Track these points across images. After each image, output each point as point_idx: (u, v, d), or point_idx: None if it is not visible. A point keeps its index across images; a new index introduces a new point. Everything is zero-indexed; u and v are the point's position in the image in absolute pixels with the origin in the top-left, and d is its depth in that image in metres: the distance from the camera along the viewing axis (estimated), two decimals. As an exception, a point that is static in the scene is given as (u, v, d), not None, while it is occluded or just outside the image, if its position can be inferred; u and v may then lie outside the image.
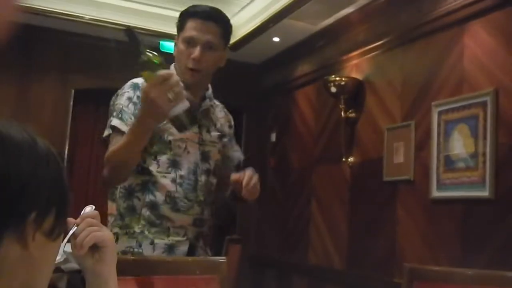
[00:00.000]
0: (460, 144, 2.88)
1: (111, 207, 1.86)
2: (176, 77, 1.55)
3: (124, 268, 1.25)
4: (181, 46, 1.85)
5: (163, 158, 1.81)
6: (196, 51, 1.82)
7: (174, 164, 1.82)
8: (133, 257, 1.67)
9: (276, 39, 4.45)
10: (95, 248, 0.98)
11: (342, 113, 3.79)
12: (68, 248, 0.97)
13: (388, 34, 3.53)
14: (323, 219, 4.10)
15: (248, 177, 1.77)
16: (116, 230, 1.79)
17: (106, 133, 1.80)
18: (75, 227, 0.97)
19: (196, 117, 1.75)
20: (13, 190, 0.70)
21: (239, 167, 1.96)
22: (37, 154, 0.74)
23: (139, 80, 1.80)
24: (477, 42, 2.88)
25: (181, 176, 1.82)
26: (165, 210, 1.80)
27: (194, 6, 1.88)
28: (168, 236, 1.80)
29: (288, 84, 4.77)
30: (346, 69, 3.95)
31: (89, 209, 1.02)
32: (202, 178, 1.86)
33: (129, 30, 1.57)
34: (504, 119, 2.68)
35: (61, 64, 4.55)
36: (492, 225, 2.68)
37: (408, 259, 3.12)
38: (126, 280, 1.38)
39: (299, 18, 3.97)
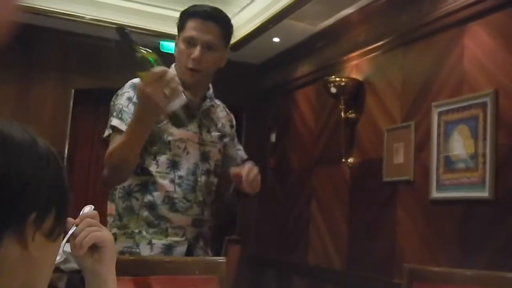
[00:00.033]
0: (460, 145, 2.88)
1: (111, 207, 1.86)
2: (171, 73, 1.55)
3: (123, 268, 1.25)
4: (181, 46, 1.85)
5: (163, 159, 1.81)
6: (196, 51, 1.81)
7: (173, 164, 1.82)
8: (132, 257, 1.68)
9: (276, 39, 4.45)
10: (94, 248, 0.98)
11: (342, 114, 3.79)
12: (68, 248, 0.97)
13: (388, 35, 3.53)
14: (323, 220, 4.10)
15: (248, 169, 1.77)
16: (115, 230, 1.79)
17: (106, 133, 1.80)
18: (74, 227, 0.97)
19: (194, 112, 1.74)
20: (14, 190, 0.70)
21: None
22: (37, 154, 0.74)
23: (139, 80, 1.80)
24: (477, 43, 2.88)
25: (180, 177, 1.82)
26: (163, 210, 1.80)
27: (194, 6, 1.88)
28: (166, 236, 1.80)
29: (288, 84, 4.77)
30: (346, 70, 3.95)
31: (88, 209, 1.02)
32: (202, 179, 1.86)
33: (121, 29, 1.55)
34: (504, 120, 2.68)
35: (61, 64, 4.55)
36: (491, 226, 2.68)
37: (407, 260, 3.12)
38: (125, 280, 1.38)
39: (299, 18, 3.97)
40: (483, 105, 2.76)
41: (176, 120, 1.60)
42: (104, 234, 1.00)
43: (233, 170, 1.82)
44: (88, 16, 4.27)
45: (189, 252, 1.83)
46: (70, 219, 0.95)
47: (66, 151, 4.52)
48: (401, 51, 3.46)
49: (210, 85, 1.97)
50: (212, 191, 1.92)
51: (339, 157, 3.86)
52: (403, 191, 3.28)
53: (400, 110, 3.39)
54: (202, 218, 1.87)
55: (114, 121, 1.77)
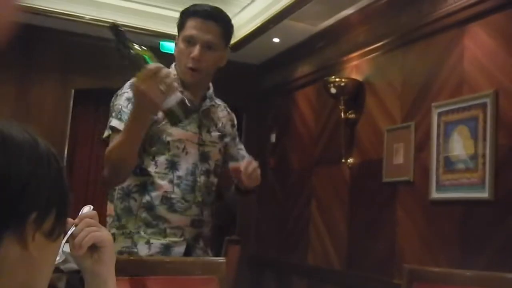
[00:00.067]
0: (459, 146, 2.88)
1: (110, 208, 1.86)
2: (166, 69, 1.54)
3: (122, 268, 1.25)
4: (181, 45, 1.85)
5: (161, 159, 1.80)
6: (196, 50, 1.81)
7: (172, 165, 1.81)
8: (132, 257, 1.67)
9: (276, 39, 4.45)
10: (93, 248, 0.98)
11: (342, 114, 3.79)
12: (67, 248, 0.97)
13: (388, 35, 3.53)
14: (323, 220, 4.10)
15: (246, 162, 1.77)
16: (114, 230, 1.79)
17: (106, 133, 1.80)
18: (74, 227, 0.97)
19: (191, 109, 1.74)
20: (14, 190, 0.70)
21: None
22: (38, 154, 0.74)
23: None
24: (477, 44, 2.88)
25: (179, 177, 1.81)
26: (161, 211, 1.79)
27: (195, 5, 1.87)
28: (164, 237, 1.80)
29: (288, 84, 4.77)
30: (346, 70, 3.95)
31: (87, 209, 1.02)
32: (201, 179, 1.86)
33: (115, 26, 1.53)
34: (504, 120, 2.68)
35: (61, 64, 4.55)
36: (491, 226, 2.68)
37: (407, 260, 3.12)
38: (125, 280, 1.38)
39: (299, 19, 3.97)
40: (483, 106, 2.76)
41: (172, 116, 1.59)
42: (104, 234, 0.99)
43: (232, 164, 1.82)
44: (88, 16, 4.27)
45: (187, 253, 1.82)
46: (69, 219, 0.95)
47: (66, 151, 4.52)
48: (401, 52, 3.46)
49: (211, 85, 1.97)
50: (212, 191, 1.91)
51: (339, 158, 3.86)
52: (403, 192, 3.28)
53: (400, 110, 3.39)
54: (201, 219, 1.87)
55: (113, 122, 1.76)
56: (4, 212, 0.69)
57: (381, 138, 3.50)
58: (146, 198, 1.79)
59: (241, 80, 4.89)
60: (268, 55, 4.86)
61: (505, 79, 2.70)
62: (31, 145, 0.74)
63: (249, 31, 4.30)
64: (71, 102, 4.60)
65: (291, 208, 4.53)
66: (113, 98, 1.85)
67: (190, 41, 1.82)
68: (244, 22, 4.30)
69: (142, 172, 1.80)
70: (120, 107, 1.78)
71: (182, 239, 1.82)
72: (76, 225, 0.98)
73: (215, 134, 1.93)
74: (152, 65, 1.51)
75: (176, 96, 1.55)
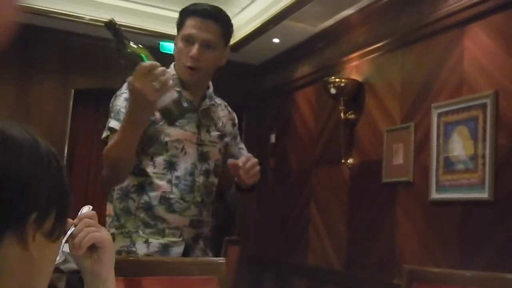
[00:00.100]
0: (459, 146, 2.88)
1: (109, 208, 1.86)
2: (162, 68, 1.53)
3: (122, 268, 1.25)
4: (180, 44, 1.84)
5: (159, 159, 1.80)
6: (194, 49, 1.80)
7: (170, 165, 1.81)
8: (131, 258, 1.67)
9: (276, 40, 4.45)
10: (93, 248, 0.98)
11: (342, 115, 3.79)
12: (66, 248, 0.97)
13: (388, 36, 3.53)
14: (323, 220, 4.10)
15: (245, 158, 1.76)
16: (113, 230, 1.79)
17: (104, 134, 1.80)
18: (73, 228, 0.97)
19: (187, 108, 1.73)
20: (14, 190, 0.70)
21: None
22: (38, 154, 0.74)
23: None
24: (477, 44, 2.88)
25: (177, 177, 1.81)
26: (160, 211, 1.79)
27: (194, 4, 1.87)
28: (163, 237, 1.79)
29: (288, 85, 4.77)
30: (346, 71, 3.95)
31: (86, 209, 1.02)
32: (200, 179, 1.85)
33: (111, 24, 1.52)
34: (504, 121, 2.68)
35: (61, 64, 4.55)
36: (491, 227, 2.68)
37: (407, 261, 3.11)
38: (124, 281, 1.38)
39: (299, 19, 3.97)
40: (483, 106, 2.76)
41: (168, 115, 1.59)
42: (103, 234, 0.99)
43: (230, 160, 1.81)
44: (87, 16, 4.27)
45: (186, 253, 1.81)
46: (68, 220, 0.95)
47: (65, 151, 4.52)
48: (401, 52, 3.46)
49: (211, 84, 1.96)
50: (212, 191, 1.90)
51: (338, 158, 3.86)
52: (402, 192, 3.28)
53: (400, 111, 3.39)
54: (200, 219, 1.86)
55: (112, 123, 1.76)
56: (4, 212, 0.69)
57: (381, 138, 3.50)
58: (145, 198, 1.79)
59: (241, 81, 4.89)
60: (268, 56, 4.86)
61: (505, 79, 2.70)
62: (32, 145, 0.74)
63: (249, 32, 4.30)
64: (71, 102, 4.60)
65: (291, 208, 4.53)
66: (112, 98, 1.85)
67: (189, 40, 1.82)
68: (244, 23, 4.30)
69: (140, 172, 1.79)
70: (118, 107, 1.78)
71: (180, 239, 1.81)
72: (75, 225, 0.98)
73: (215, 133, 1.91)
74: (147, 63, 1.51)
75: (172, 94, 1.54)
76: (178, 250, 1.80)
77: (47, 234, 0.75)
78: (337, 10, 3.80)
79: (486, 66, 2.81)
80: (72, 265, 2.19)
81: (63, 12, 4.22)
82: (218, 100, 1.99)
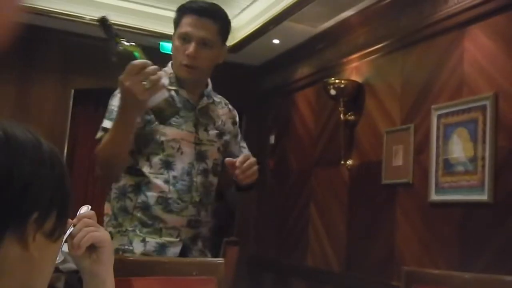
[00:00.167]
0: (459, 148, 2.88)
1: (107, 207, 1.85)
2: (153, 66, 1.51)
3: (121, 268, 1.25)
4: (177, 43, 1.83)
5: (155, 159, 1.78)
6: (191, 48, 1.78)
7: (167, 165, 1.79)
8: (130, 257, 1.67)
9: (276, 41, 4.45)
10: (92, 248, 0.98)
11: (342, 116, 3.79)
12: (66, 248, 0.97)
13: (388, 37, 3.53)
14: (322, 222, 4.10)
15: (243, 157, 1.75)
16: (110, 229, 1.79)
17: (98, 135, 1.78)
18: (72, 228, 0.97)
19: (178, 107, 1.72)
20: (16, 190, 0.70)
21: None
22: (41, 155, 0.74)
23: None
24: (477, 46, 2.88)
25: (174, 177, 1.79)
26: (157, 211, 1.78)
27: (191, 1, 1.85)
28: (160, 236, 1.78)
29: (287, 86, 4.77)
30: (346, 72, 3.95)
31: (85, 209, 1.02)
32: (198, 179, 1.83)
33: (103, 20, 1.50)
34: (504, 123, 2.68)
35: (61, 64, 4.55)
36: (490, 229, 2.68)
37: (406, 262, 3.11)
38: (123, 281, 1.37)
39: (299, 20, 3.97)
40: (483, 108, 2.76)
41: (159, 114, 1.58)
42: (102, 234, 1.00)
43: (227, 158, 1.79)
44: (88, 16, 4.27)
45: (183, 253, 1.80)
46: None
47: (65, 151, 4.52)
48: (401, 54, 3.46)
49: (209, 82, 1.94)
50: (211, 191, 1.89)
51: (338, 159, 3.86)
52: (402, 194, 3.28)
53: (400, 112, 3.39)
54: (198, 219, 1.84)
55: (105, 123, 1.76)
56: (5, 211, 0.69)
57: (381, 140, 3.50)
58: (142, 198, 1.78)
59: (241, 81, 4.89)
60: (268, 57, 4.86)
61: (505, 81, 2.70)
62: (34, 145, 0.74)
63: (249, 32, 4.30)
64: (71, 102, 4.61)
65: (290, 209, 4.53)
66: (110, 99, 1.84)
67: (185, 38, 1.80)
68: (244, 24, 4.30)
69: (137, 172, 1.79)
70: (112, 107, 1.77)
71: (178, 239, 1.80)
72: (74, 225, 0.98)
73: (213, 132, 1.89)
74: (138, 61, 1.49)
75: (162, 93, 1.53)
76: (175, 250, 1.79)
77: (48, 234, 0.75)
78: (337, 11, 3.80)
79: (486, 67, 2.81)
80: (71, 265, 2.18)
81: (63, 12, 4.22)
82: (218, 98, 1.98)
